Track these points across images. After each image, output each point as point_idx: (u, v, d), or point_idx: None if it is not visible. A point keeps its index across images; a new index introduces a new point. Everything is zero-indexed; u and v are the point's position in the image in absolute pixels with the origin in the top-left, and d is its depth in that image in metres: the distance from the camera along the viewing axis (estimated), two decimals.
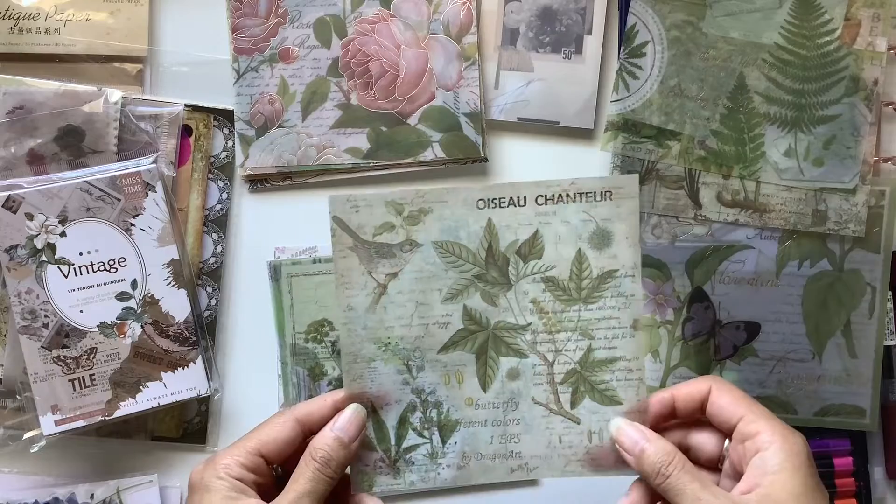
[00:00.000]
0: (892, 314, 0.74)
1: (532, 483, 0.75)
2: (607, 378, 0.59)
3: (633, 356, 0.59)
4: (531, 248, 0.59)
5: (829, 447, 0.74)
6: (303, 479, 0.55)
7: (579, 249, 0.58)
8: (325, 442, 0.56)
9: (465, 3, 0.73)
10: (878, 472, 0.76)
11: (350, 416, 0.58)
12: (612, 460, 0.59)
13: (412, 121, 0.74)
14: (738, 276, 0.74)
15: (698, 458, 0.58)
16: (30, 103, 0.71)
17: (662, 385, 0.73)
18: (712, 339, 0.74)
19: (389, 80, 0.74)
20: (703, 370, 0.73)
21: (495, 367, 0.60)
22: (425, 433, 0.60)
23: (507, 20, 0.74)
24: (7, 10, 0.72)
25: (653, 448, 0.55)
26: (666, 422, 0.59)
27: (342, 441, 0.57)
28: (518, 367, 0.59)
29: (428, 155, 0.74)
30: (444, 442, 0.60)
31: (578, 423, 0.59)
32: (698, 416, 0.58)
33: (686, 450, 0.58)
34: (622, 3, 0.73)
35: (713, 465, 0.58)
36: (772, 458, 0.52)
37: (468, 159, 0.74)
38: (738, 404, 0.55)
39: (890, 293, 0.74)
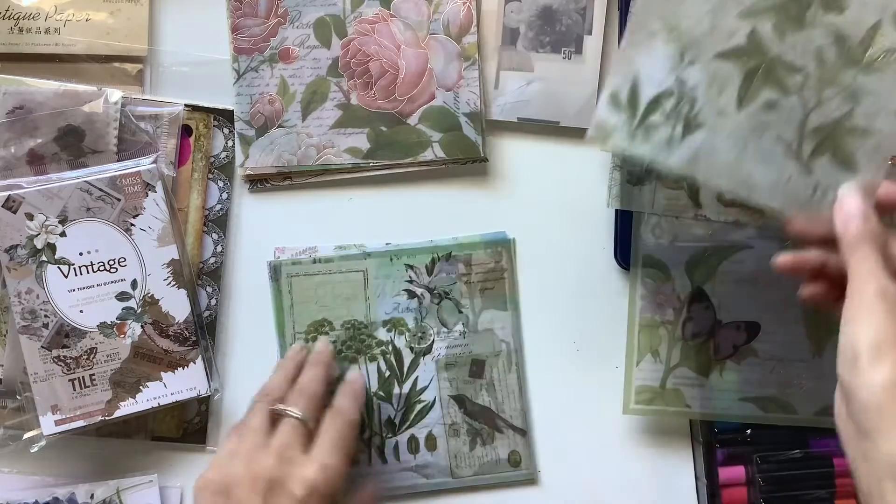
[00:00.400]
0: None
1: (532, 483, 0.75)
2: (855, 146, 0.60)
3: (891, 136, 0.60)
4: (837, 2, 0.60)
5: (829, 447, 0.74)
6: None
7: (880, 20, 0.59)
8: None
9: (465, 3, 0.73)
10: None
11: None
12: (818, 230, 0.58)
13: (412, 121, 0.74)
14: (738, 276, 0.74)
15: None
16: (30, 103, 0.71)
17: (662, 386, 0.73)
18: (712, 339, 0.74)
19: (389, 80, 0.74)
20: (703, 370, 0.73)
21: (757, 93, 0.61)
22: (671, 120, 0.61)
23: (507, 20, 0.74)
24: (7, 10, 0.72)
25: (869, 222, 0.52)
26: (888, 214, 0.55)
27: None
28: (777, 101, 0.61)
29: (428, 155, 0.74)
30: (683, 136, 0.61)
31: (810, 174, 0.60)
32: None
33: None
34: (622, 3, 0.73)
35: None
36: None
37: (468, 159, 0.74)
38: None
39: None
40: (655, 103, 0.62)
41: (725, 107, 0.62)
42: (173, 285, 0.70)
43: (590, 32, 0.74)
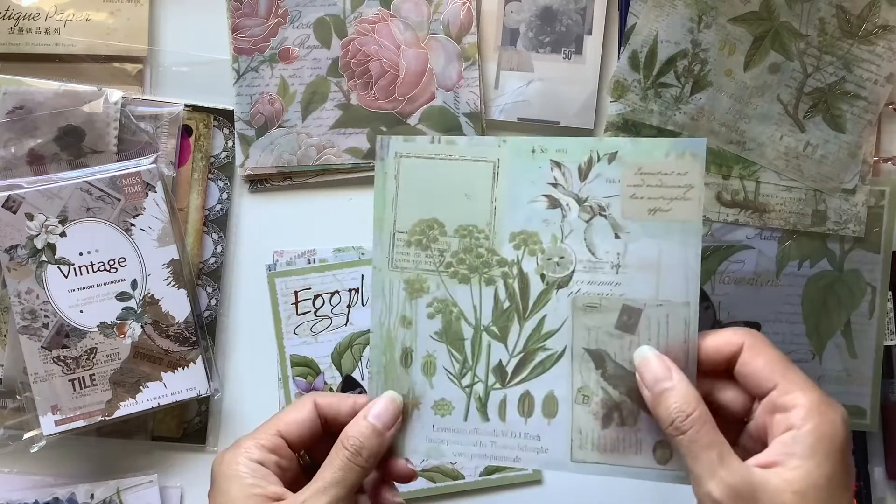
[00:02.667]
0: (892, 314, 0.74)
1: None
2: (844, 108, 0.67)
3: (875, 102, 0.67)
4: None
5: None
6: (332, 467, 0.52)
7: None
8: (358, 429, 0.53)
9: (465, 3, 0.73)
10: (878, 472, 0.76)
11: (385, 403, 0.55)
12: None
13: (412, 121, 0.74)
14: (738, 276, 0.74)
15: (723, 408, 0.52)
16: (30, 103, 0.71)
17: None
18: None
19: (389, 80, 0.74)
20: None
21: (764, 56, 0.67)
22: (681, 80, 0.65)
23: (507, 20, 0.74)
24: (7, 10, 0.72)
25: (675, 393, 0.49)
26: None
27: (376, 429, 0.53)
28: (781, 64, 0.66)
29: None
30: (691, 94, 0.65)
31: (803, 132, 0.66)
32: (723, 372, 0.51)
33: (709, 394, 0.52)
34: (622, 3, 0.73)
35: (737, 423, 0.52)
36: (802, 440, 0.46)
37: None
38: (773, 370, 0.48)
39: (890, 293, 0.74)
40: (670, 63, 0.67)
41: (734, 67, 0.68)
42: (173, 285, 0.70)
43: (590, 32, 0.74)
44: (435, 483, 0.74)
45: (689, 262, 0.53)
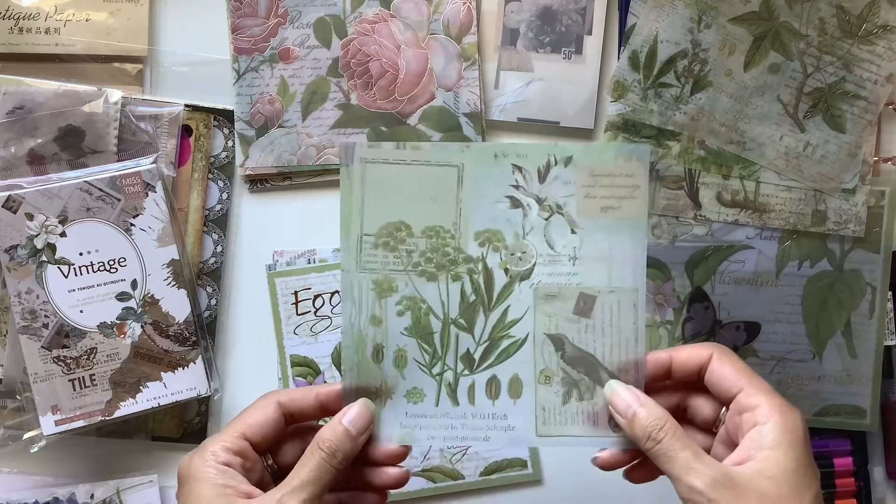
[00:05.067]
0: (892, 314, 0.74)
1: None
2: (844, 108, 0.67)
3: (875, 102, 0.67)
4: None
5: (829, 447, 0.74)
6: (307, 467, 0.55)
7: None
8: (333, 433, 0.56)
9: (465, 3, 0.73)
10: (878, 472, 0.76)
11: (360, 409, 0.58)
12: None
13: (412, 121, 0.74)
14: (738, 276, 0.74)
15: (694, 419, 0.58)
16: (30, 103, 0.71)
17: None
18: (712, 339, 0.74)
19: (389, 80, 0.74)
20: None
21: (764, 56, 0.68)
22: (681, 80, 0.65)
23: (507, 20, 0.74)
24: (7, 10, 0.72)
25: (645, 412, 0.55)
26: (661, 382, 0.58)
27: (350, 434, 0.56)
28: (781, 64, 0.66)
29: None
30: (691, 94, 0.66)
31: (803, 132, 0.66)
32: (695, 381, 0.57)
33: (683, 410, 0.58)
34: (622, 3, 0.73)
35: (708, 427, 0.58)
36: (769, 433, 0.52)
37: None
38: (739, 376, 0.54)
39: (890, 293, 0.74)
40: (670, 63, 0.67)
41: (734, 67, 0.68)
42: (173, 285, 0.70)
43: (590, 32, 0.74)
44: (435, 483, 0.75)
45: (636, 253, 0.59)
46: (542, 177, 0.60)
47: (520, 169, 0.59)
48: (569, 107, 0.74)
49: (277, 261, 0.74)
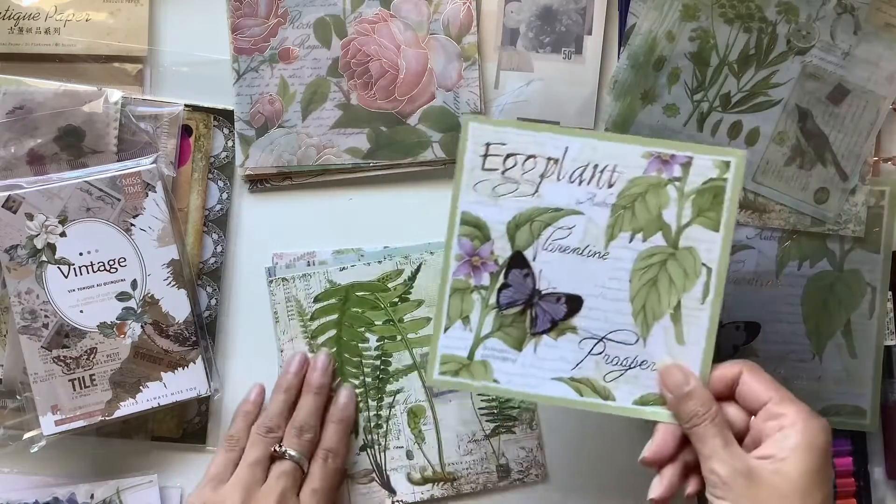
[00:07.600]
0: (892, 314, 0.74)
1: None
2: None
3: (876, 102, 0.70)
4: None
5: None
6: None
7: None
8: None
9: (465, 3, 0.73)
10: (878, 472, 0.76)
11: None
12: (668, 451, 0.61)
13: (412, 121, 0.74)
14: (738, 276, 0.74)
15: (730, 422, 0.61)
16: (30, 103, 0.71)
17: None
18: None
19: (389, 80, 0.74)
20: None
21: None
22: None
23: (507, 20, 0.74)
24: (7, 10, 0.72)
25: (694, 394, 0.59)
26: (725, 399, 0.62)
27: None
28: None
29: (428, 155, 0.74)
30: None
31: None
32: (727, 396, 0.61)
33: None
34: (622, 3, 0.73)
35: (738, 439, 0.61)
36: (792, 436, 0.56)
37: None
38: (769, 388, 0.59)
39: (890, 293, 0.74)
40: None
41: None
42: (173, 285, 0.70)
43: (590, 32, 0.74)
44: (581, 396, 0.64)
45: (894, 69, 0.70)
46: None
47: None
48: (569, 107, 0.74)
49: (277, 263, 0.74)
